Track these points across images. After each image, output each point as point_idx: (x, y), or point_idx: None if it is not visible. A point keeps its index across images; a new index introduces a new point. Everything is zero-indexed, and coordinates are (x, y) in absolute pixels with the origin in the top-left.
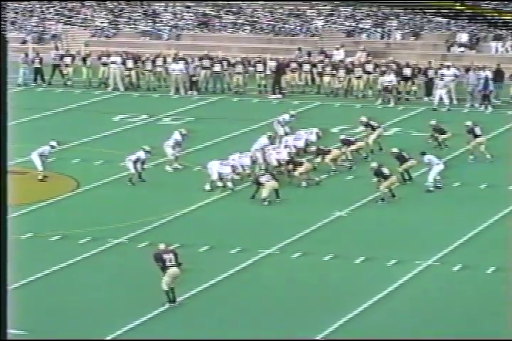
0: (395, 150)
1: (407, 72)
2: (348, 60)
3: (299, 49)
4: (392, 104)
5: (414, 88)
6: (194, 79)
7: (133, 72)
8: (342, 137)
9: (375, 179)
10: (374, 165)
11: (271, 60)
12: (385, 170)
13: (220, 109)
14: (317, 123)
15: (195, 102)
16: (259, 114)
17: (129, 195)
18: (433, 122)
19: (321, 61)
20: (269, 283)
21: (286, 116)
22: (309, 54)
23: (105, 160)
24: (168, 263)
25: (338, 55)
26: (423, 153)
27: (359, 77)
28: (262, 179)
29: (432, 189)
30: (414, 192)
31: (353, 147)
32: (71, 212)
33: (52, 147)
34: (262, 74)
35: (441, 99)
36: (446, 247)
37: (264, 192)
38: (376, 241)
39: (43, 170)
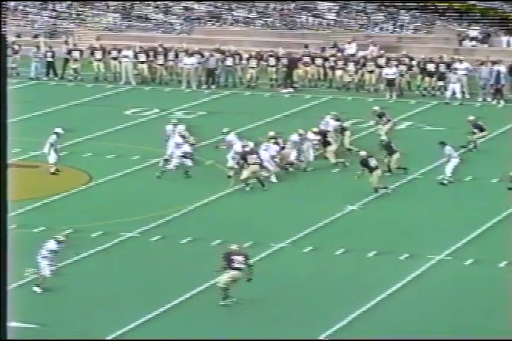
0: (384, 138)
1: (431, 67)
2: (360, 54)
3: (306, 46)
4: (394, 98)
5: (440, 83)
6: (217, 72)
7: (145, 66)
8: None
9: (360, 170)
10: (363, 153)
11: (283, 55)
12: (372, 162)
13: (232, 103)
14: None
15: (207, 96)
16: (271, 108)
17: (141, 188)
18: (471, 118)
19: (333, 55)
20: (280, 276)
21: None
22: (323, 49)
23: (117, 154)
24: (235, 265)
25: (350, 49)
26: (443, 144)
27: (371, 71)
28: (250, 158)
29: (446, 182)
30: (426, 186)
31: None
32: (83, 206)
33: (58, 134)
34: (274, 69)
35: (453, 93)
36: (458, 241)
37: (245, 174)
38: (388, 236)
39: (54, 163)
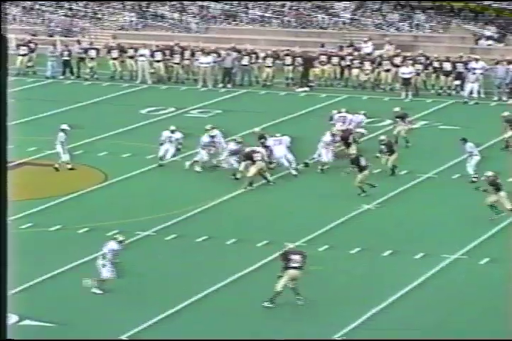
0: (383, 137)
1: (447, 66)
2: (377, 53)
3: (322, 45)
4: (410, 97)
5: (456, 83)
6: (233, 71)
7: (161, 65)
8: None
9: (350, 168)
10: (353, 152)
11: (299, 54)
12: (363, 161)
13: (248, 101)
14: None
15: (223, 95)
16: (287, 107)
17: (157, 187)
18: (505, 114)
19: (350, 54)
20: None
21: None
22: (341, 48)
23: (133, 153)
24: (292, 264)
25: (367, 48)
26: (464, 141)
27: (387, 70)
28: (256, 156)
29: (475, 179)
30: (442, 185)
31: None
32: (98, 205)
33: (65, 131)
34: (291, 67)
35: (471, 92)
36: (473, 240)
37: (252, 171)
38: (403, 235)
39: (68, 160)
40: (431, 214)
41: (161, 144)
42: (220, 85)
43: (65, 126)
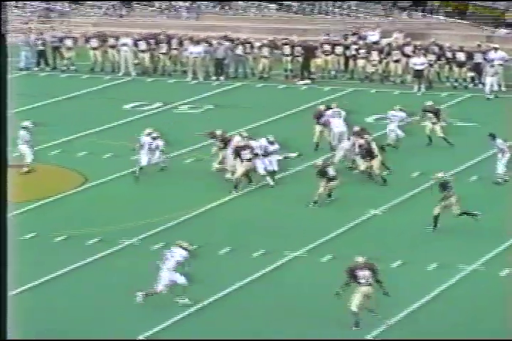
0: (362, 141)
1: (461, 56)
2: (385, 41)
3: (328, 33)
4: (423, 90)
5: (470, 74)
6: (226, 62)
7: (146, 55)
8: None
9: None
10: (319, 163)
11: (299, 43)
12: (331, 171)
13: (243, 96)
14: (350, 112)
15: (215, 89)
16: (286, 102)
17: (141, 191)
18: None
19: (355, 43)
20: (296, 289)
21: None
22: (346, 37)
23: (115, 154)
24: (361, 281)
25: (373, 36)
26: (493, 136)
27: (397, 61)
28: (244, 154)
29: (501, 181)
30: (457, 188)
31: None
32: (77, 211)
33: (27, 129)
34: (290, 58)
35: (491, 86)
36: (492, 250)
37: (239, 171)
38: (414, 243)
39: (30, 163)
40: (444, 220)
41: (135, 149)
42: (212, 78)
43: (27, 123)
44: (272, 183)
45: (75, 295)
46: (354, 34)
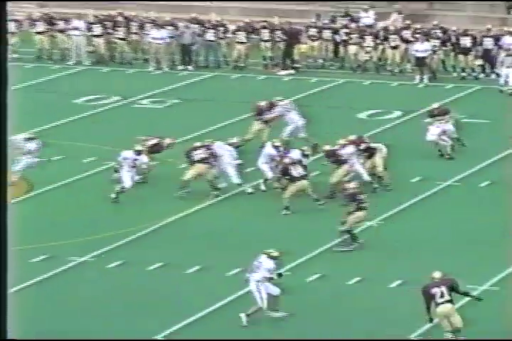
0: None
1: (466, 42)
2: (380, 24)
3: (318, 15)
4: (425, 81)
5: (478, 62)
6: (194, 49)
7: (102, 41)
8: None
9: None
10: (287, 161)
11: (281, 26)
12: (296, 171)
13: (215, 88)
14: (340, 107)
15: (182, 80)
16: (265, 95)
17: (96, 200)
18: None
19: (346, 26)
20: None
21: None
22: (333, 19)
23: (66, 156)
24: (438, 300)
25: (367, 18)
26: None
27: (395, 47)
28: (197, 154)
29: None
30: (464, 195)
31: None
32: (21, 223)
33: None
34: (269, 44)
35: (506, 76)
36: (506, 268)
37: (189, 174)
38: (414, 260)
39: None
40: (449, 232)
41: (116, 170)
42: (179, 67)
43: None
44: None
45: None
46: (345, 16)
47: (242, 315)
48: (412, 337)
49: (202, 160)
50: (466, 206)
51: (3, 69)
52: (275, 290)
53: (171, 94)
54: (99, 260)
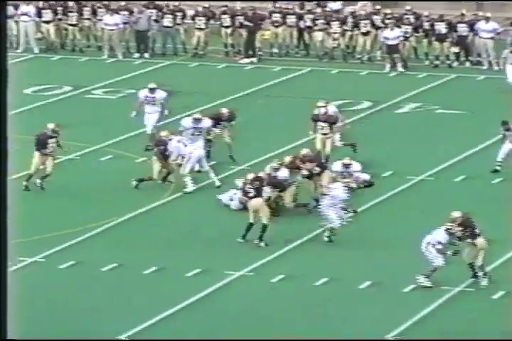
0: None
1: (441, 28)
2: (348, 9)
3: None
4: (399, 70)
5: (454, 50)
6: (151, 35)
7: (52, 27)
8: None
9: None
10: (268, 169)
11: (243, 12)
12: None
13: (172, 77)
14: (306, 98)
15: (138, 68)
16: (226, 85)
17: (46, 197)
18: None
19: (311, 11)
20: (239, 315)
21: None
22: (302, 5)
23: (13, 149)
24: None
25: (334, 3)
26: (506, 125)
27: (365, 33)
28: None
29: (499, 168)
30: (437, 190)
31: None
32: None
33: None
34: (230, 30)
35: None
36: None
37: (154, 170)
38: (384, 261)
39: None
40: (425, 232)
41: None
42: (134, 55)
43: None
44: None
45: None
46: (311, 0)
47: (420, 276)
48: (389, 337)
49: (161, 154)
50: (441, 200)
51: (3, 69)
52: (439, 262)
53: (126, 84)
54: (50, 260)
